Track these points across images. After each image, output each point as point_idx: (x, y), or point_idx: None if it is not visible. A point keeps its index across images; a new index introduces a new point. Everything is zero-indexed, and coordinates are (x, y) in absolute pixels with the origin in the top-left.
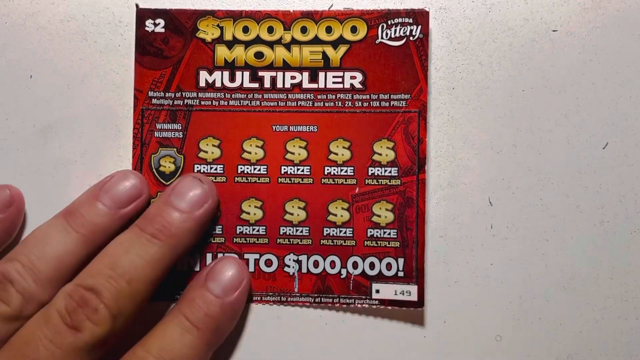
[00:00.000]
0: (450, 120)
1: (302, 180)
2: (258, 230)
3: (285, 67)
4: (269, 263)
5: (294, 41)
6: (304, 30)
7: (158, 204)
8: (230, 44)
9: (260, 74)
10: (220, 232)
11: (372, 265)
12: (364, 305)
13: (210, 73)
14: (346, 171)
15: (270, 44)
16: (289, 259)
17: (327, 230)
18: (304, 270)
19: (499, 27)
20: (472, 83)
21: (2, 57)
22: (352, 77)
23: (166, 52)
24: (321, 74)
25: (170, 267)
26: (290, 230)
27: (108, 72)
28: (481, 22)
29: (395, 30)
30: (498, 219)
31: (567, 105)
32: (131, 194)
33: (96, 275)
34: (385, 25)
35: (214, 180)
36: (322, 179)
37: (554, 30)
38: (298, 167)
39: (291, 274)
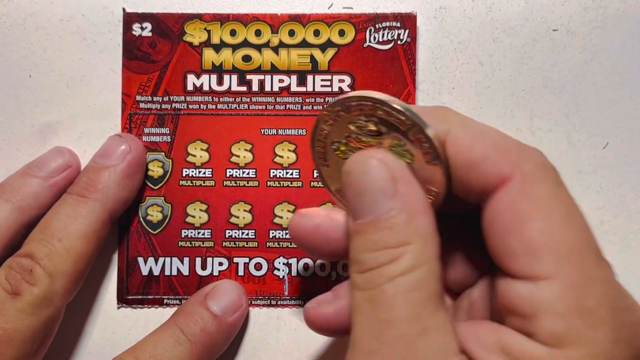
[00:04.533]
0: None
1: (292, 184)
2: (247, 234)
3: (273, 70)
4: (258, 267)
5: (282, 44)
6: (291, 33)
7: (84, 169)
8: (217, 48)
9: (248, 77)
10: (210, 236)
11: None
12: None
13: (198, 77)
14: None
15: (258, 47)
16: (279, 263)
17: None
18: (294, 273)
19: (500, 27)
20: (472, 83)
21: (1, 56)
22: (341, 81)
23: (153, 56)
24: (309, 77)
25: (106, 221)
26: (279, 233)
27: (108, 72)
28: (481, 22)
29: (383, 34)
30: None
31: (568, 105)
32: (60, 165)
33: (30, 242)
34: (373, 29)
35: (202, 185)
36: (311, 182)
37: (554, 30)
38: (287, 171)
39: (281, 277)
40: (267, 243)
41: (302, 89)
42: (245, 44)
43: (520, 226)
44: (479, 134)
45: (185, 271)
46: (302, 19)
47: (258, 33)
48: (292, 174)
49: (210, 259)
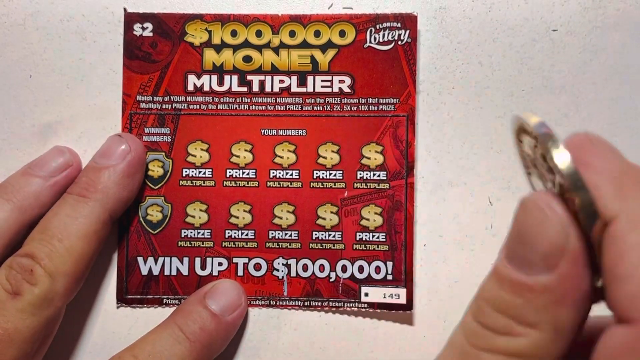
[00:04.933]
0: (450, 120)
1: (291, 184)
2: (247, 235)
3: (274, 71)
4: (257, 267)
5: (283, 45)
6: (292, 34)
7: (84, 168)
8: (218, 48)
9: (249, 77)
10: (209, 237)
11: (361, 269)
12: (352, 308)
13: (199, 77)
14: (335, 175)
15: (259, 48)
16: (278, 263)
17: (316, 234)
18: (293, 274)
19: (499, 27)
20: (472, 83)
21: (1, 57)
22: (341, 81)
23: (154, 56)
24: (310, 78)
25: (106, 221)
26: (279, 234)
27: (108, 72)
28: (481, 22)
29: (384, 35)
30: (498, 219)
31: (567, 105)
32: (61, 164)
33: (30, 242)
34: (373, 30)
35: (202, 185)
36: (311, 183)
37: (554, 30)
38: (287, 171)
39: (280, 277)
40: (267, 243)
41: (303, 89)
42: (246, 44)
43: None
44: None
45: (184, 271)
46: (302, 20)
47: (259, 34)
48: (291, 174)
49: (210, 259)
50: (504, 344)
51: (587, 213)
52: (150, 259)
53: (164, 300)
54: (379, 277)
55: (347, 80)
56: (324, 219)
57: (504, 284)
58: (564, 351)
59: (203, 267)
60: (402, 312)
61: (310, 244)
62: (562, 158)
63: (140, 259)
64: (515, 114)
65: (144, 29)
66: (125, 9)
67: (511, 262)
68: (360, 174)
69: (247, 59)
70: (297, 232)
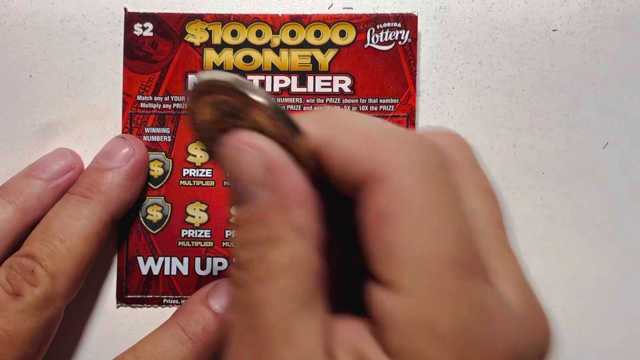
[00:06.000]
0: (450, 120)
1: None
2: None
3: (274, 71)
4: None
5: (283, 45)
6: (292, 34)
7: (86, 169)
8: (218, 48)
9: (249, 77)
10: (209, 236)
11: None
12: None
13: None
14: None
15: (259, 48)
16: None
17: None
18: None
19: (499, 27)
20: (472, 83)
21: (1, 57)
22: (341, 82)
23: (154, 56)
24: (310, 78)
25: (107, 222)
26: None
27: (108, 72)
28: (481, 22)
29: (384, 35)
30: None
31: (567, 105)
32: (63, 167)
33: (31, 242)
34: (373, 30)
35: (202, 185)
36: None
37: (554, 30)
38: None
39: None
40: None
41: (303, 89)
42: (246, 44)
43: (380, 229)
44: (347, 129)
45: (184, 271)
46: (303, 20)
47: (259, 34)
48: None
49: (210, 259)
50: (264, 268)
51: (291, 128)
52: (150, 259)
53: (164, 300)
54: None
55: (348, 80)
56: None
57: (241, 223)
58: (320, 244)
59: (203, 267)
60: None
61: None
62: (259, 97)
63: (140, 259)
64: (198, 76)
65: (144, 28)
66: (125, 9)
67: (239, 204)
68: None
69: (248, 59)
70: None
